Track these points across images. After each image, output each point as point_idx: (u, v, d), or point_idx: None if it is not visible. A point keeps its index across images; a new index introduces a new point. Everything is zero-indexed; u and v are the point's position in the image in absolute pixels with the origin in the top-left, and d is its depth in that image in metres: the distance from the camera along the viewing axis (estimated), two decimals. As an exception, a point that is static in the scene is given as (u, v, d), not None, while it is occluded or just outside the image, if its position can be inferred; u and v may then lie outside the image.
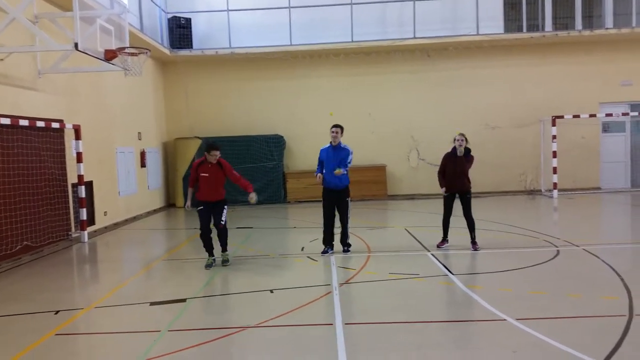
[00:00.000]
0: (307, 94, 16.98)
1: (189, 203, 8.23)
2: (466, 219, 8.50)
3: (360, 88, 16.91)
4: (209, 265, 8.02)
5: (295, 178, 16.58)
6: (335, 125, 8.42)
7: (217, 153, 7.89)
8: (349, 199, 8.56)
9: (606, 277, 6.75)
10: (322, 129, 15.85)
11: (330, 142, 8.45)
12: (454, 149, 8.52)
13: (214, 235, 8.08)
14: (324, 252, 8.57)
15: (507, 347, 4.57)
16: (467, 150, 8.49)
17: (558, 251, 8.23)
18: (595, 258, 7.74)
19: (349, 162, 8.37)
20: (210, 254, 8.12)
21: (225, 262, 8.15)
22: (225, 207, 8.11)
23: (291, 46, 16.08)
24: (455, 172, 8.47)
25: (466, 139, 8.46)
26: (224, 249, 8.21)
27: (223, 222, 8.02)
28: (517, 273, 7.10)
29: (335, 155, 8.35)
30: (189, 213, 15.21)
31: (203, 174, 7.90)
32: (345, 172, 8.34)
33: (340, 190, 8.45)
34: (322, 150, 8.55)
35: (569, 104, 16.30)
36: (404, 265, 7.70)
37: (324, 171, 8.47)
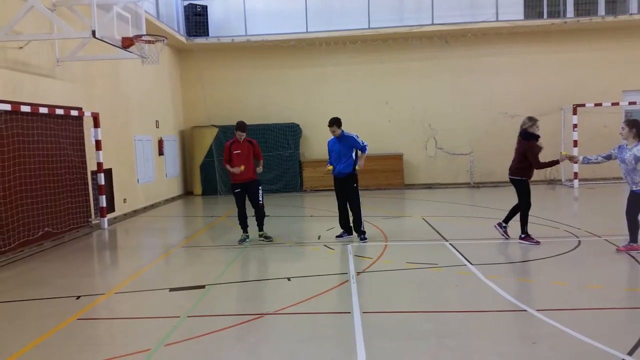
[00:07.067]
0: (324, 82, 16.88)
1: (236, 169, 8.48)
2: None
3: (377, 75, 16.74)
4: (242, 240, 8.74)
5: (311, 167, 16.56)
6: (331, 124, 8.46)
7: (243, 134, 8.60)
8: (356, 185, 8.63)
9: (629, 269, 6.63)
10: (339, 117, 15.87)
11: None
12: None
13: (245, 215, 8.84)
14: (339, 235, 8.82)
15: (528, 338, 4.52)
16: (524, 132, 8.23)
17: (579, 242, 8.10)
18: (618, 249, 7.59)
19: (364, 144, 8.53)
20: (245, 230, 8.84)
21: (268, 238, 8.81)
22: (260, 187, 8.78)
23: (307, 33, 15.97)
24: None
25: (532, 121, 8.32)
26: (261, 229, 8.88)
27: (261, 202, 8.71)
28: (538, 263, 7.01)
29: (341, 145, 8.52)
30: (207, 200, 15.41)
31: (235, 152, 8.59)
32: (364, 155, 8.58)
33: (344, 178, 8.60)
34: (329, 142, 8.77)
35: (591, 92, 15.94)
36: (422, 255, 7.65)
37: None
